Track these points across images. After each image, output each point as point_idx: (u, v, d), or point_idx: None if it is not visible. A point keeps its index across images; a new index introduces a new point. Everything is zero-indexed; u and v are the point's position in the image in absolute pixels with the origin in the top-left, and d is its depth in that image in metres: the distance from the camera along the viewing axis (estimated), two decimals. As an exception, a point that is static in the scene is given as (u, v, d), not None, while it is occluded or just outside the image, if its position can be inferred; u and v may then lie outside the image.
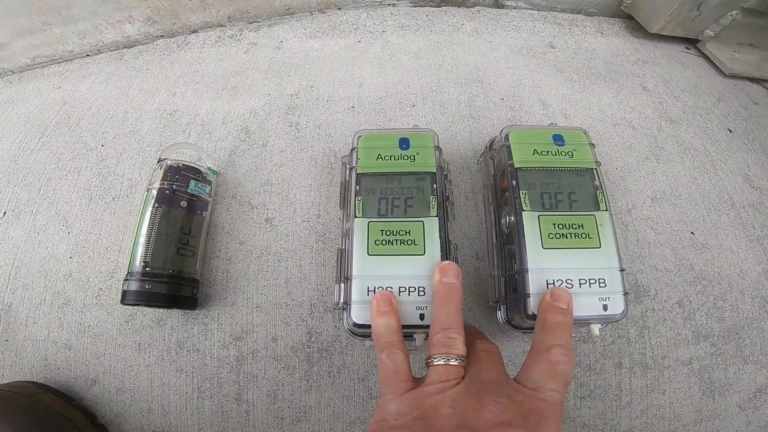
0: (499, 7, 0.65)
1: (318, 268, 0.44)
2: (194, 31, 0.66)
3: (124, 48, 0.65)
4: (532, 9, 0.65)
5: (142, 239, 0.39)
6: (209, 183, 0.44)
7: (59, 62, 0.66)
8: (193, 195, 0.42)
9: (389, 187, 0.39)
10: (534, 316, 0.33)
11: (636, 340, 0.42)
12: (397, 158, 0.40)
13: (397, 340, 0.31)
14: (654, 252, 0.45)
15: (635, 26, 0.63)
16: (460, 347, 0.29)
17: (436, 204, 0.37)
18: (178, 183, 0.41)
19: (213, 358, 0.42)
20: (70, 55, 0.66)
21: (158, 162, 0.43)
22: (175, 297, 0.39)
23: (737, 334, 0.43)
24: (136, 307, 0.44)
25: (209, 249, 0.45)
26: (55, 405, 0.40)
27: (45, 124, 0.56)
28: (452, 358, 0.29)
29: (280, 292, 0.43)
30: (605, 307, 0.34)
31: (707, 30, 0.59)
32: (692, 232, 0.46)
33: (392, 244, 0.36)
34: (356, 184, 0.39)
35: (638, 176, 0.49)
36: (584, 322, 0.35)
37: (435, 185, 0.38)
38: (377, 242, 0.36)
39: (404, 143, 0.40)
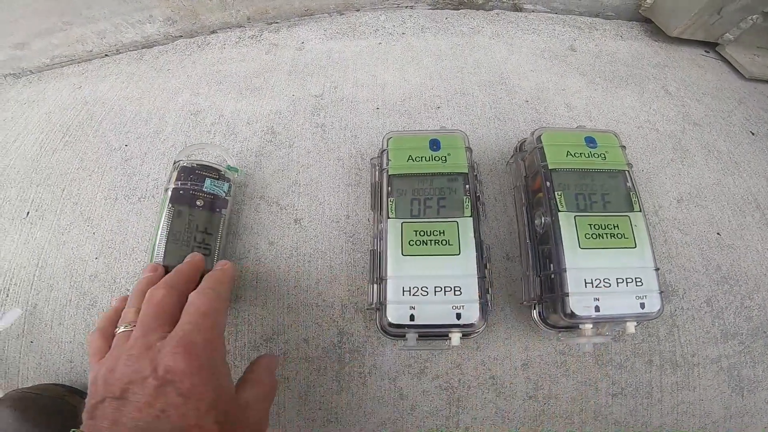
0: (517, 11, 0.66)
1: (348, 269, 0.44)
2: (213, 32, 0.66)
3: (143, 48, 0.65)
4: (550, 12, 0.66)
5: (158, 239, 0.39)
6: (227, 180, 0.44)
7: (78, 62, 0.66)
8: (209, 193, 0.42)
9: (421, 188, 0.39)
10: (573, 315, 0.34)
11: (666, 338, 0.42)
12: (428, 159, 0.40)
13: (101, 324, 0.34)
14: (681, 252, 0.45)
15: (654, 30, 0.64)
16: (129, 316, 0.32)
17: (469, 204, 0.37)
18: (192, 182, 0.41)
19: (243, 360, 0.42)
20: (89, 55, 0.66)
21: (173, 164, 0.43)
22: None
23: (765, 332, 0.43)
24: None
25: (238, 249, 0.45)
26: (81, 407, 0.40)
27: (67, 123, 0.56)
28: (120, 327, 0.32)
29: (311, 293, 0.43)
30: (642, 305, 0.35)
31: (727, 34, 0.59)
32: (718, 233, 0.47)
33: (426, 244, 0.36)
34: (388, 185, 0.39)
35: (664, 178, 0.49)
36: (622, 320, 0.35)
37: (467, 186, 0.38)
38: (411, 243, 0.36)
39: (435, 144, 0.41)
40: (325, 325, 0.42)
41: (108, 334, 0.33)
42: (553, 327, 0.39)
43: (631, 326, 0.35)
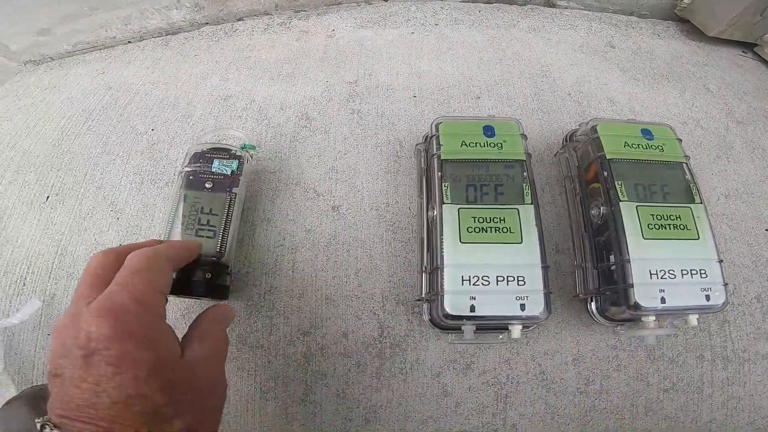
0: (550, 6, 0.65)
1: (389, 259, 0.42)
2: (240, 19, 0.65)
3: (167, 35, 0.64)
4: (584, 9, 0.65)
5: (169, 227, 0.37)
6: (237, 158, 0.41)
7: (101, 49, 0.64)
8: (215, 174, 0.40)
9: (476, 174, 0.37)
10: (638, 306, 0.33)
11: (717, 333, 0.41)
12: (483, 145, 0.38)
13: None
14: (731, 248, 0.44)
15: (690, 29, 0.63)
16: None
17: (529, 191, 0.36)
18: (200, 165, 0.40)
19: (278, 356, 0.39)
20: (112, 42, 0.64)
21: (186, 155, 0.41)
22: (182, 283, 0.36)
23: (815, 328, 0.41)
24: (193, 300, 0.41)
25: (272, 237, 0.43)
26: None
27: (90, 108, 0.54)
28: None
29: (351, 284, 0.41)
30: (708, 297, 0.34)
31: (766, 35, 0.59)
32: (767, 229, 0.45)
33: (486, 231, 0.34)
34: (439, 171, 0.37)
35: (710, 174, 0.48)
36: (686, 312, 0.34)
37: (525, 173, 0.37)
38: (469, 229, 0.34)
39: (489, 131, 0.39)
40: (365, 318, 0.40)
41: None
42: (611, 320, 0.37)
43: (693, 319, 0.34)
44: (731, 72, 0.58)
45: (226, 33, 0.61)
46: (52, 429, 0.22)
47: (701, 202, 0.37)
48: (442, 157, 0.37)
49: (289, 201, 0.44)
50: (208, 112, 0.51)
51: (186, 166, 0.40)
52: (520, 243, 0.33)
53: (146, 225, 0.45)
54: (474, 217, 0.34)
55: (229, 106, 0.51)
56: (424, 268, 0.36)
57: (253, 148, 0.43)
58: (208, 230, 0.38)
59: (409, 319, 0.40)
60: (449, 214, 0.35)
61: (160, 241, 0.34)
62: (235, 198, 0.39)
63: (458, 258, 0.33)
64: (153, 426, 0.23)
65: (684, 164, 0.39)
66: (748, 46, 0.62)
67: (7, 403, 0.34)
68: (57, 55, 0.65)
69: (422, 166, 0.41)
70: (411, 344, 0.40)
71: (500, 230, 0.34)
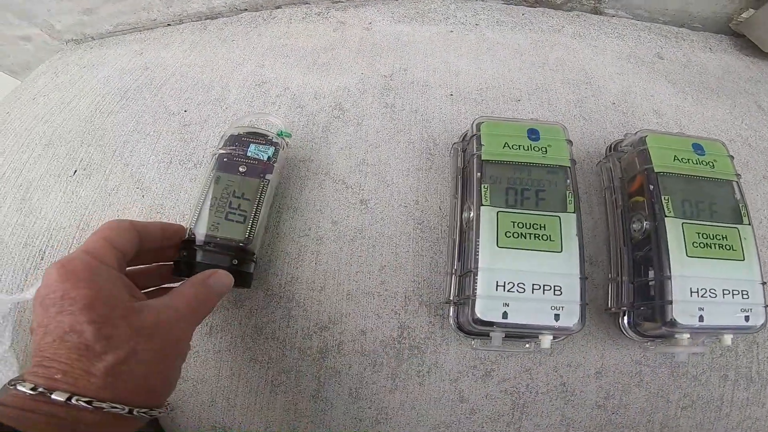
0: (598, 14, 0.63)
1: (415, 258, 0.40)
2: (278, 7, 0.64)
3: (206, 19, 0.64)
4: (633, 19, 0.62)
5: (194, 206, 0.36)
6: (274, 145, 0.40)
7: (141, 30, 0.65)
8: (253, 159, 0.39)
9: (518, 177, 0.35)
10: (674, 323, 0.32)
11: (744, 354, 0.40)
12: (526, 148, 0.36)
13: None
14: (770, 270, 0.42)
15: (745, 44, 0.60)
16: None
17: (573, 199, 0.34)
18: (236, 149, 0.39)
19: (293, 349, 0.38)
20: (152, 24, 0.65)
21: (221, 137, 0.40)
22: (207, 267, 0.34)
23: None
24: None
25: (298, 225, 0.42)
26: None
27: (125, 87, 0.54)
28: None
29: (374, 281, 0.39)
30: (747, 318, 0.33)
31: (827, 54, 0.56)
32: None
33: (525, 237, 0.32)
34: (478, 171, 0.36)
35: (757, 194, 0.46)
36: (723, 332, 0.33)
37: (569, 181, 0.35)
38: (507, 234, 0.32)
39: (533, 134, 0.37)
40: (386, 316, 0.39)
41: None
42: (643, 335, 0.36)
43: (728, 339, 0.34)
44: (786, 91, 0.55)
45: (265, 20, 0.61)
46: (21, 383, 0.24)
47: (749, 224, 0.35)
48: (483, 158, 0.36)
49: (317, 191, 0.43)
50: (242, 98, 0.50)
51: (221, 148, 0.39)
52: (560, 252, 0.32)
53: (170, 204, 0.44)
54: (513, 222, 0.33)
55: (263, 92, 0.51)
56: (454, 270, 0.34)
57: (289, 135, 0.42)
58: (239, 215, 0.37)
59: (431, 322, 0.39)
60: (487, 216, 0.33)
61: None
62: (267, 185, 0.38)
63: (494, 262, 0.31)
64: (86, 361, 0.24)
65: (735, 183, 0.37)
66: (806, 66, 0.59)
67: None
68: (98, 35, 0.66)
69: (459, 165, 0.39)
70: (431, 347, 0.38)
71: (540, 237, 0.32)
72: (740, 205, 0.36)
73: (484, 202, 0.33)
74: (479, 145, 0.36)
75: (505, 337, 0.32)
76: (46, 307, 0.25)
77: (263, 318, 0.39)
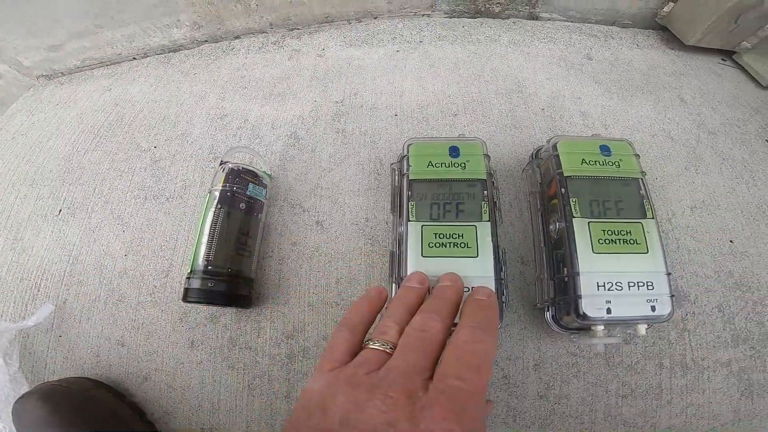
0: (534, 19, 0.67)
1: (367, 269, 0.45)
2: (237, 37, 0.68)
3: (169, 52, 0.68)
4: (566, 21, 0.67)
5: (205, 239, 0.41)
6: (265, 186, 0.46)
7: (107, 65, 0.69)
8: (251, 197, 0.44)
9: (441, 192, 0.40)
10: (585, 316, 0.35)
11: (676, 341, 0.43)
12: (448, 165, 0.41)
13: (350, 320, 0.30)
14: (694, 259, 0.46)
15: (670, 38, 0.64)
16: (390, 333, 0.28)
17: (487, 209, 0.39)
18: (238, 185, 0.43)
19: (265, 356, 0.44)
20: (118, 58, 0.69)
21: (220, 165, 0.44)
22: (234, 295, 0.41)
23: (777, 337, 0.43)
24: (190, 305, 0.45)
25: (263, 249, 0.47)
26: (107, 401, 0.41)
27: (98, 125, 0.59)
28: (376, 342, 0.27)
29: (331, 292, 0.45)
30: (653, 308, 0.36)
31: (744, 42, 0.60)
32: (731, 241, 0.47)
33: (445, 246, 0.37)
34: (408, 190, 0.40)
35: (677, 186, 0.50)
36: (632, 323, 0.36)
37: (485, 192, 0.40)
38: (431, 245, 0.37)
39: (454, 151, 0.42)
40: (344, 323, 0.44)
41: (357, 334, 0.30)
42: (566, 328, 0.40)
43: (642, 328, 0.36)
44: (708, 81, 0.60)
45: (224, 51, 0.65)
46: None
47: (653, 218, 0.39)
48: (410, 177, 0.41)
49: (278, 216, 0.48)
50: (206, 131, 0.55)
51: (224, 183, 0.43)
52: (476, 257, 0.37)
53: (148, 237, 0.49)
54: (435, 234, 0.38)
55: (225, 125, 0.55)
56: (395, 279, 0.39)
57: (271, 177, 0.48)
58: (246, 250, 0.43)
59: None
60: (413, 230, 0.38)
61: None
62: (262, 223, 0.45)
63: (419, 270, 0.36)
64: None
65: (640, 180, 0.41)
66: (727, 54, 0.63)
67: (21, 398, 0.38)
68: (67, 70, 0.69)
69: (396, 184, 0.44)
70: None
71: (458, 245, 0.37)
72: (644, 201, 0.40)
73: (410, 218, 0.39)
74: (408, 165, 0.41)
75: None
76: None
77: (236, 331, 0.45)
